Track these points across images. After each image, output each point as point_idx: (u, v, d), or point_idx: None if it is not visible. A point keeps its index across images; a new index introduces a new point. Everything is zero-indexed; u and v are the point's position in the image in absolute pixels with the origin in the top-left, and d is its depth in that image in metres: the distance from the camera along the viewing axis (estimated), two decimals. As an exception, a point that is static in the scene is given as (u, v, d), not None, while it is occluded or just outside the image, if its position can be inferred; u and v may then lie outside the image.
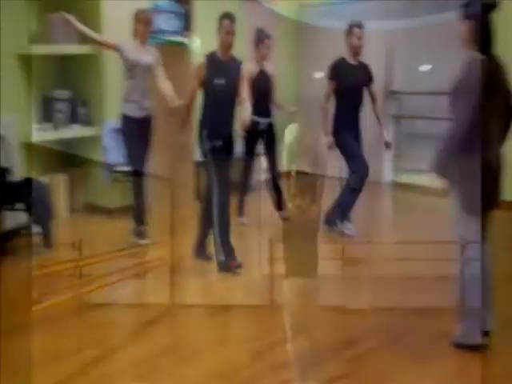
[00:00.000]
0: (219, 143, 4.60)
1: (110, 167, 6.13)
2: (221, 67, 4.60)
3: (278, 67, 6.44)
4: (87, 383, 3.14)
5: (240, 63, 4.72)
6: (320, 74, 6.24)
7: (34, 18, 5.94)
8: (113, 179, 6.12)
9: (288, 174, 7.04)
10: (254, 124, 5.66)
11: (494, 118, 3.23)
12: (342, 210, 5.55)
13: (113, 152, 6.14)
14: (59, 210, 5.97)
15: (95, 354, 3.39)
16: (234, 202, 5.07)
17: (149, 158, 5.38)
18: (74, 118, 6.15)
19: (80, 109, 6.19)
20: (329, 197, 5.68)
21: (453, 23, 3.38)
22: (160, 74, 5.32)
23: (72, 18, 5.16)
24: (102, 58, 6.01)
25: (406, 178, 7.31)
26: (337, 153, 5.58)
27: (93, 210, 6.32)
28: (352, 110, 5.51)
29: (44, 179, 5.61)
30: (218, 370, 3.24)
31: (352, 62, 5.50)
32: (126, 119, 5.28)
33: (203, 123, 4.68)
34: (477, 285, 3.26)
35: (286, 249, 4.59)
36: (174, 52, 6.42)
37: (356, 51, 5.48)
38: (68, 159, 6.31)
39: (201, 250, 4.88)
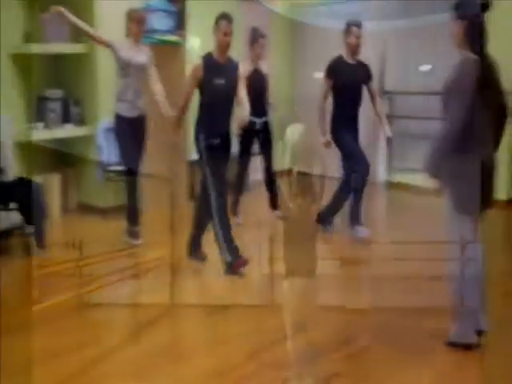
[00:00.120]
0: (217, 141, 4.59)
1: (103, 167, 6.12)
2: (219, 68, 4.57)
3: (274, 67, 6.44)
4: (87, 382, 3.15)
5: (237, 64, 4.70)
6: (318, 75, 6.22)
7: (27, 17, 5.91)
8: (106, 179, 6.11)
9: (289, 173, 7.07)
10: (250, 123, 5.66)
11: (486, 117, 3.23)
12: (332, 209, 5.57)
13: (106, 151, 6.14)
14: (53, 209, 5.96)
15: (94, 353, 3.39)
16: (228, 201, 5.05)
17: (143, 157, 5.37)
18: (66, 118, 6.12)
19: (73, 108, 6.17)
20: (329, 197, 5.67)
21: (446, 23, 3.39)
22: (153, 74, 5.31)
23: (65, 11, 5.10)
24: (95, 57, 5.99)
25: (399, 178, 7.33)
26: (336, 152, 5.57)
27: (86, 209, 6.31)
28: (350, 109, 5.49)
29: (37, 179, 5.58)
30: (215, 369, 3.24)
31: (350, 60, 5.49)
32: (120, 119, 5.27)
33: (201, 123, 4.65)
34: (471, 285, 3.27)
35: (286, 249, 4.59)
36: (167, 51, 6.41)
37: (354, 50, 5.46)
38: (61, 159, 6.30)
39: (195, 251, 4.87)
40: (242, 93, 4.68)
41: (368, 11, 6.58)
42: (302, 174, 6.95)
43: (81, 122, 6.22)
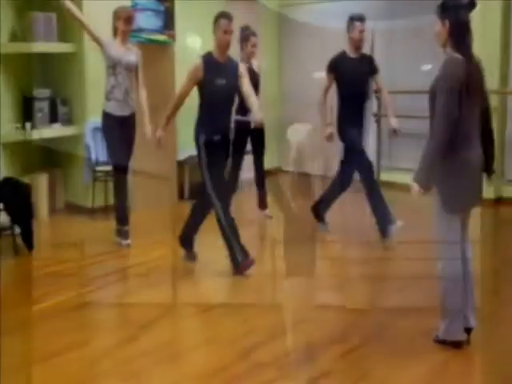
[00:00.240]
0: (218, 137, 4.55)
1: (91, 166, 6.09)
2: (219, 68, 4.51)
3: (269, 65, 6.41)
4: (86, 382, 3.15)
5: (237, 63, 4.66)
6: (317, 74, 6.22)
7: (15, 16, 5.87)
8: (94, 178, 6.08)
9: (289, 173, 7.07)
10: (244, 123, 5.65)
11: (472, 117, 3.24)
12: (325, 203, 5.57)
13: (94, 151, 6.11)
14: (40, 209, 5.93)
15: (93, 353, 3.40)
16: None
17: (131, 156, 5.34)
18: (54, 117, 6.09)
19: (61, 108, 6.13)
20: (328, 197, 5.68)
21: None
22: (140, 77, 5.30)
23: (67, 2, 5.03)
24: (83, 57, 5.97)
25: (389, 177, 7.33)
26: (334, 152, 5.55)
27: (74, 209, 6.27)
28: (356, 104, 5.45)
29: (25, 179, 5.55)
30: (208, 369, 3.24)
31: (353, 55, 5.44)
32: (108, 117, 5.23)
33: (201, 123, 4.58)
34: (458, 283, 3.29)
35: (285, 248, 4.59)
36: (156, 50, 6.39)
37: (357, 44, 5.41)
38: (49, 159, 6.27)
39: (188, 251, 4.83)
40: (249, 91, 4.60)
41: (362, 10, 6.57)
42: (302, 174, 6.95)
43: (68, 121, 6.18)
